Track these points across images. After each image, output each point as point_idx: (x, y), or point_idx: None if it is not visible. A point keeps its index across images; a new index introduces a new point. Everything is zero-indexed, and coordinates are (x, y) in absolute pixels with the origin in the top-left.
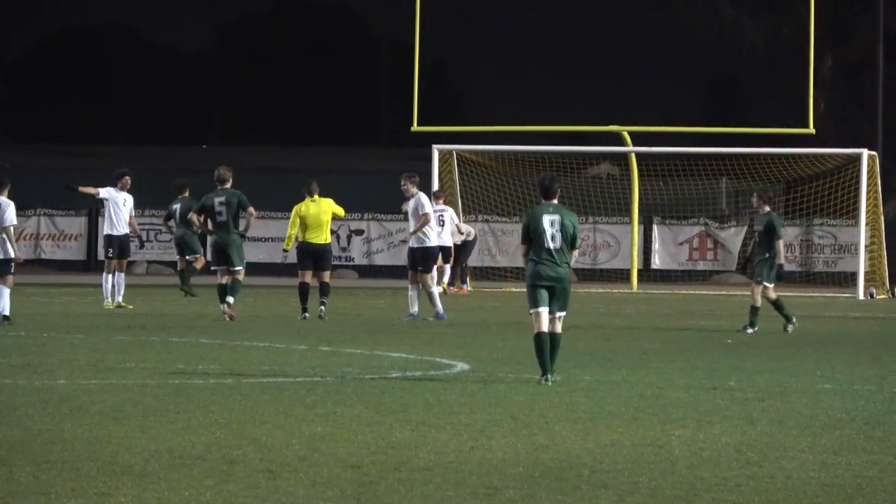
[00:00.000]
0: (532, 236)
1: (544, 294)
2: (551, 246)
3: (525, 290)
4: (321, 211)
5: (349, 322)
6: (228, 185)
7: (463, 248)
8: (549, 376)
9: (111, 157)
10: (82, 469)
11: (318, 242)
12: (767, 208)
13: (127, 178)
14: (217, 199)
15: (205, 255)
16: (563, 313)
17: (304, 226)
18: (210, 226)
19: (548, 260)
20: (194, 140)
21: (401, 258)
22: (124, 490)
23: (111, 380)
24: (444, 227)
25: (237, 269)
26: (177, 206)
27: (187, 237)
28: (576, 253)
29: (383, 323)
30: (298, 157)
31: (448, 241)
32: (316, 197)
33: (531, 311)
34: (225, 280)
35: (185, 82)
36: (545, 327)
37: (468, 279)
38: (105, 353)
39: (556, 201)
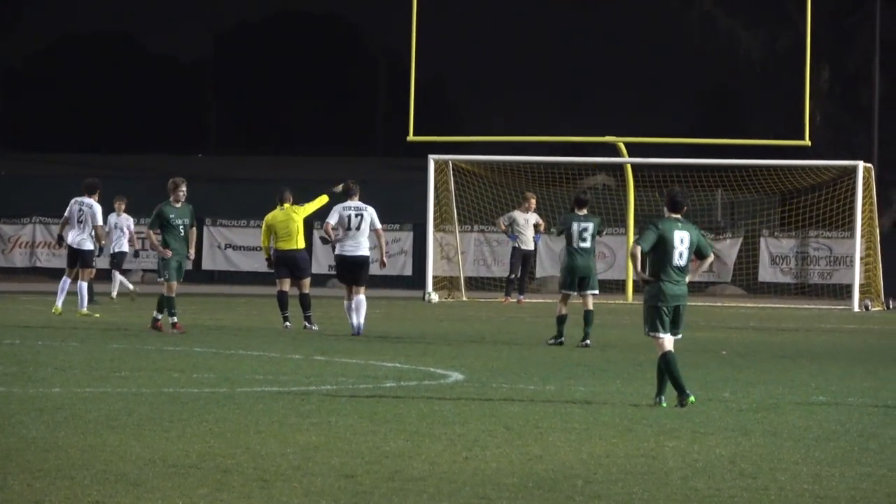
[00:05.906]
0: (659, 250)
1: (667, 318)
2: (680, 264)
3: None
4: (289, 219)
5: (344, 331)
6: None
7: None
8: (689, 394)
9: (107, 165)
10: (76, 477)
11: (289, 249)
12: None
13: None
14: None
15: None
16: (679, 336)
17: (275, 235)
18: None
19: (674, 279)
20: (190, 149)
21: (396, 268)
22: (118, 498)
23: (106, 388)
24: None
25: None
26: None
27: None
28: (710, 258)
29: (378, 333)
30: (294, 167)
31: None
32: (285, 205)
33: (652, 334)
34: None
35: (182, 91)
36: (668, 346)
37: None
38: (100, 361)
39: (681, 216)
